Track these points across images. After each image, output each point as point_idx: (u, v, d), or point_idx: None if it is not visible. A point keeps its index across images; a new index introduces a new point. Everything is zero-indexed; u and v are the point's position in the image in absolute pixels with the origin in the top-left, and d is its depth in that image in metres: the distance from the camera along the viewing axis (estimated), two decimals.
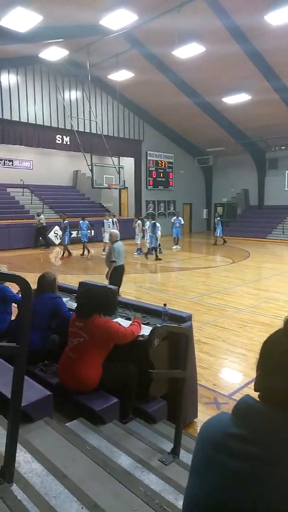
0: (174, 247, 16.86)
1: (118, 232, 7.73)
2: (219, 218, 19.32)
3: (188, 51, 13.86)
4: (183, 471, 2.43)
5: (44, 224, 16.95)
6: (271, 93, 16.37)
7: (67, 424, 2.63)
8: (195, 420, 3.58)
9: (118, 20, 12.28)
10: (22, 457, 2.04)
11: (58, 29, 13.58)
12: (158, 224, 14.44)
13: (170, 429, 3.04)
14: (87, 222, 15.25)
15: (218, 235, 18.57)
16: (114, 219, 15.69)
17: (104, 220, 15.53)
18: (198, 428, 3.47)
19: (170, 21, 12.40)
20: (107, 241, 14.79)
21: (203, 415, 3.66)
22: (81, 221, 15.21)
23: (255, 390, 0.82)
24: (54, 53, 15.12)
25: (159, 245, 14.59)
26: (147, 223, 15.22)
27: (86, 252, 15.03)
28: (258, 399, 0.80)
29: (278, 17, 11.58)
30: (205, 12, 12.31)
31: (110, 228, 14.93)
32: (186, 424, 3.36)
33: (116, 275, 7.27)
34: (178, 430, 2.64)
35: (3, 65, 16.57)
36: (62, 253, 14.64)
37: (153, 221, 14.55)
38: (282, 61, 14.58)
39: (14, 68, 17.11)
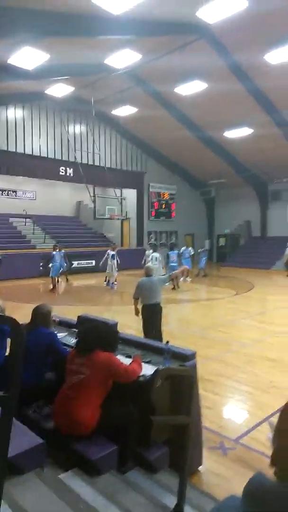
0: (187, 278, 16.63)
1: (150, 266, 6.75)
2: (204, 249, 18.91)
3: (190, 88, 14.28)
4: None
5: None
6: (273, 127, 16.73)
7: (60, 476, 2.40)
8: (199, 468, 3.28)
9: (122, 59, 12.76)
10: None
11: (64, 67, 14.06)
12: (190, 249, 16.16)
13: (173, 479, 2.77)
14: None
15: (200, 267, 18.12)
16: (112, 252, 14.74)
17: (111, 252, 14.73)
18: (203, 478, 3.19)
19: (173, 60, 12.86)
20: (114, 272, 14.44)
21: (209, 462, 3.37)
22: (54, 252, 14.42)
23: (271, 464, 0.75)
24: (60, 90, 15.65)
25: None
26: (152, 254, 14.90)
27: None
28: (272, 476, 0.74)
29: (277, 57, 12.02)
30: (207, 51, 12.74)
31: (109, 259, 14.51)
32: (190, 473, 3.08)
33: (143, 314, 6.21)
34: (183, 483, 2.40)
35: (11, 101, 17.13)
36: (53, 286, 13.99)
37: (176, 251, 14.73)
38: (283, 98, 14.98)
39: (21, 104, 17.69)
